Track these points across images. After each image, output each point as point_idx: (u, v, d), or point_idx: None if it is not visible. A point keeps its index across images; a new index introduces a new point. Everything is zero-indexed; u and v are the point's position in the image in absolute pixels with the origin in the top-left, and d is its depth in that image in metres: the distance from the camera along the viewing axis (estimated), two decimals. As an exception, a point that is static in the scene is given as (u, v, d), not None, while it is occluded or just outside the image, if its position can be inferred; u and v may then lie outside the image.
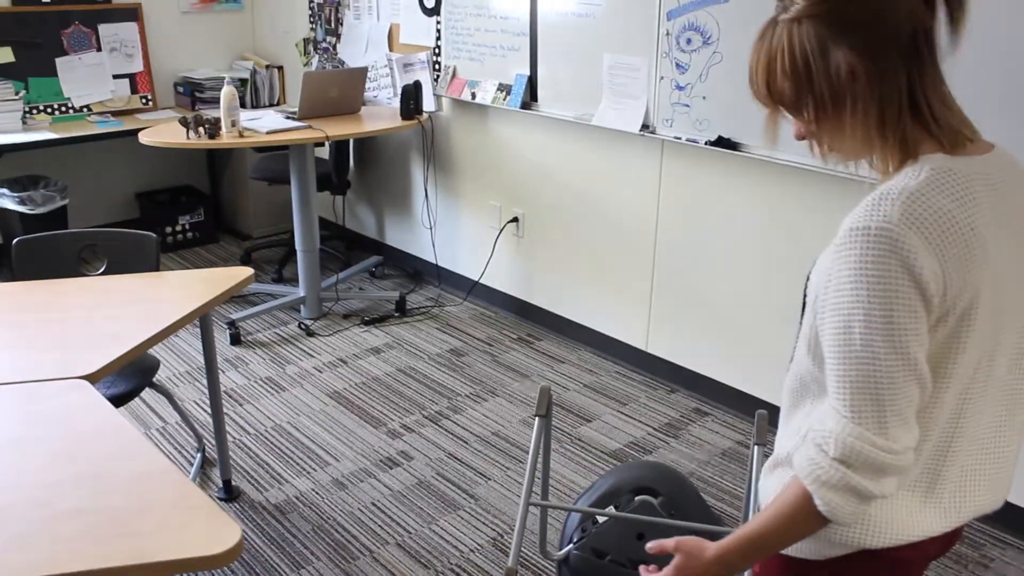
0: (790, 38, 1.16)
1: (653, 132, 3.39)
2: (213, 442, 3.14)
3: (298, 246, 4.23)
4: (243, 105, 5.03)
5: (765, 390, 3.38)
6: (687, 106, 3.24)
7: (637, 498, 2.30)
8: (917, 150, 1.16)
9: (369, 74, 4.60)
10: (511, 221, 4.23)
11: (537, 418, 2.00)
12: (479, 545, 2.70)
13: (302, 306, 4.33)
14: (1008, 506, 2.81)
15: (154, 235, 2.84)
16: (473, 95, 4.11)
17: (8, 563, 1.39)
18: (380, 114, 4.39)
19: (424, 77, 4.34)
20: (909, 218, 1.09)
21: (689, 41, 3.19)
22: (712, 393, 3.56)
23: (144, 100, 5.08)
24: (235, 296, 4.47)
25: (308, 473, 3.05)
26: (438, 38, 4.26)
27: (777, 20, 1.18)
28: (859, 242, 1.10)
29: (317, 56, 5.03)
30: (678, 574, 1.26)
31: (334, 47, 4.89)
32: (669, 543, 1.27)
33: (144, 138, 3.77)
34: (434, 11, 4.24)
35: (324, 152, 4.96)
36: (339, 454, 3.16)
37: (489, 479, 3.03)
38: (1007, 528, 2.83)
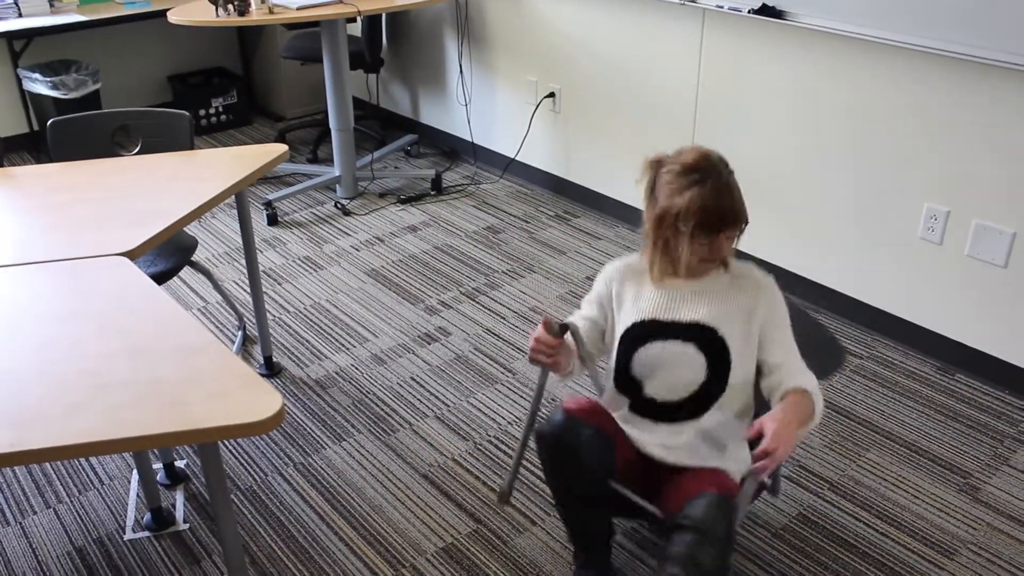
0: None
1: (694, 1, 3.27)
2: (253, 320, 3.20)
3: (332, 125, 4.20)
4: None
5: (802, 264, 3.35)
6: (729, -28, 3.12)
7: None
8: None
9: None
10: (548, 96, 4.16)
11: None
12: (516, 418, 2.75)
13: (338, 186, 4.33)
14: (1047, 379, 2.80)
15: (188, 114, 2.82)
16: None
17: (65, 430, 1.44)
18: (412, -13, 4.28)
19: (456, -53, 4.21)
20: None
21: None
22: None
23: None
24: (270, 177, 4.48)
25: (347, 349, 3.10)
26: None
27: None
28: (775, 288, 1.92)
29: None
30: (780, 430, 1.66)
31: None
32: (760, 427, 1.69)
33: (173, 17, 3.72)
34: None
35: (356, 29, 4.86)
36: (377, 330, 3.21)
37: (527, 354, 3.06)
38: (1045, 401, 2.82)
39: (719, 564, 1.69)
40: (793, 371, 1.86)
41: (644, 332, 1.91)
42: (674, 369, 1.90)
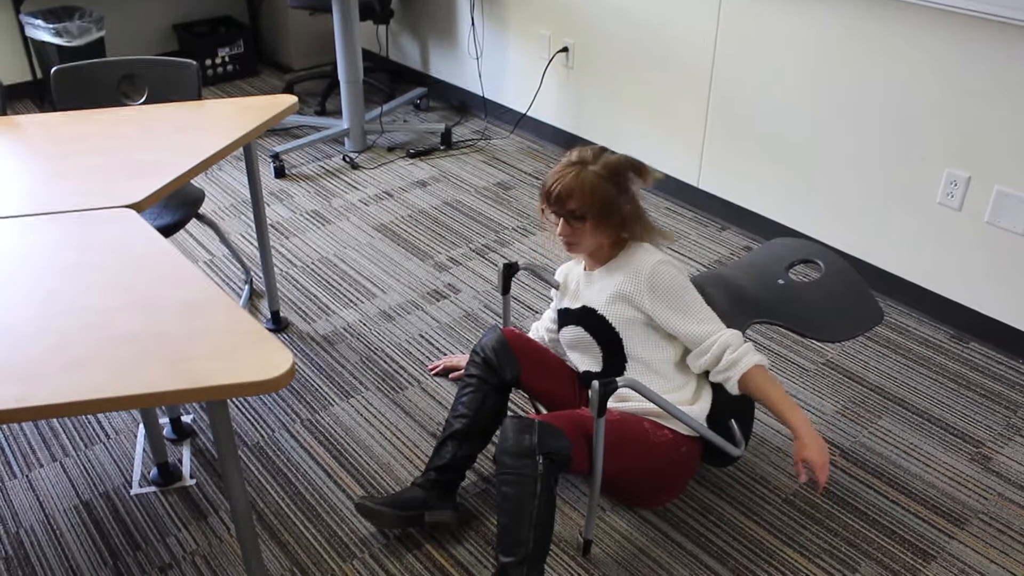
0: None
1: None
2: (260, 274, 3.16)
3: (341, 77, 4.13)
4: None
5: (816, 227, 3.30)
6: (751, -75, 3.04)
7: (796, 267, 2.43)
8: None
9: None
10: (561, 51, 4.08)
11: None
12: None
13: (346, 139, 4.28)
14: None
15: (194, 63, 2.77)
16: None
17: (70, 385, 1.41)
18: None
19: None
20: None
21: None
22: (764, 230, 3.49)
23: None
24: (278, 129, 4.42)
25: (355, 305, 3.07)
26: None
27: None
28: (657, 270, 2.05)
29: None
30: (814, 447, 1.95)
31: None
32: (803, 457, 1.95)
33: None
34: None
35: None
36: (386, 286, 3.18)
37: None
38: (1060, 370, 2.79)
39: (523, 488, 1.86)
40: (717, 347, 2.02)
41: (561, 319, 2.23)
42: (579, 350, 2.19)
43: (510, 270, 2.30)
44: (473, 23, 4.49)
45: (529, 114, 4.37)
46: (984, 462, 2.44)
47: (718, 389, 2.13)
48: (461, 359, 2.73)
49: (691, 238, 3.51)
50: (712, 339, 2.02)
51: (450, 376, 2.72)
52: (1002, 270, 2.84)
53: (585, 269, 2.20)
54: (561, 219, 2.04)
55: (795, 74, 3.19)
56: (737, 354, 1.99)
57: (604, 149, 2.08)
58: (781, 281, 2.30)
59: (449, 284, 3.19)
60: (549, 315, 2.44)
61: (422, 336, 2.91)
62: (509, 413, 2.33)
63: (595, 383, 1.85)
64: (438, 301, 3.10)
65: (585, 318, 2.14)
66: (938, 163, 2.89)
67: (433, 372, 2.73)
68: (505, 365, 2.15)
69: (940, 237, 2.96)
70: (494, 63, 4.49)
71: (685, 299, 2.04)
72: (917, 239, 3.02)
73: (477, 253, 3.39)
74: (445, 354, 2.82)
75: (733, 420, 2.19)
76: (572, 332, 2.19)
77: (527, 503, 1.85)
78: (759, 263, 2.39)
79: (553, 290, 2.33)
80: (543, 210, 2.09)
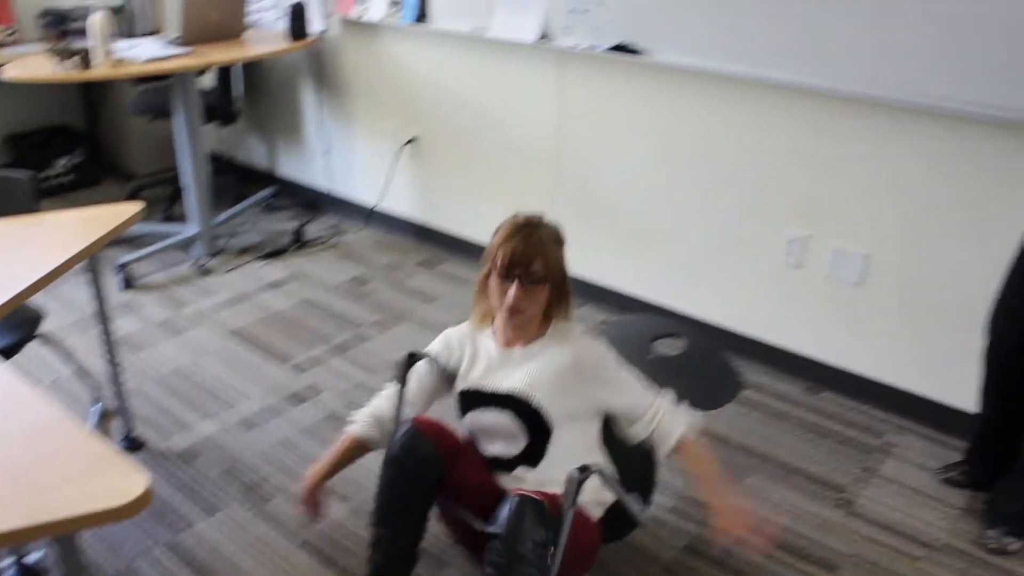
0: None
1: (551, 41, 3.32)
2: (111, 392, 3.02)
3: (186, 182, 4.05)
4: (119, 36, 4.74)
5: (671, 297, 3.41)
6: (585, 12, 3.17)
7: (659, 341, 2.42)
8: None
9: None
10: (409, 142, 4.13)
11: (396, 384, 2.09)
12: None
13: (195, 244, 4.18)
14: (902, 394, 2.92)
15: (29, 174, 2.65)
16: (363, 13, 3.96)
17: None
18: (266, 37, 4.20)
19: (309, -4, 4.16)
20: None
21: (580, -55, 3.11)
22: (620, 305, 3.58)
23: (10, 33, 4.74)
24: (124, 239, 4.28)
25: (214, 415, 2.96)
26: (320, -46, 4.07)
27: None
28: (594, 344, 2.04)
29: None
30: (736, 522, 1.90)
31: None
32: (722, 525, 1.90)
33: (9, 73, 3.52)
34: (312, -74, 4.05)
35: (208, 81, 4.73)
36: (245, 393, 3.08)
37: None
38: (905, 415, 2.94)
39: (534, 565, 1.72)
40: (654, 414, 2.00)
41: (469, 401, 2.05)
42: (498, 434, 2.02)
43: (413, 360, 2.04)
44: (320, 120, 4.50)
45: (381, 207, 4.38)
46: (847, 507, 2.52)
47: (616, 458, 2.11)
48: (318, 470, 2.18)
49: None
50: (651, 410, 1.99)
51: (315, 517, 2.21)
52: (844, 321, 2.99)
53: (503, 345, 2.06)
54: (515, 283, 1.93)
55: (637, 150, 3.32)
56: (673, 424, 1.98)
57: (541, 216, 2.03)
58: (650, 356, 2.36)
59: (310, 385, 3.12)
60: (388, 398, 2.14)
61: (286, 442, 2.83)
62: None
63: (573, 472, 1.74)
64: (300, 404, 3.02)
65: (511, 403, 1.98)
66: (779, 225, 3.04)
67: (306, 505, 2.18)
68: (426, 466, 1.93)
69: (787, 295, 3.10)
70: (343, 158, 4.50)
71: (623, 374, 2.02)
72: (765, 299, 3.16)
73: (337, 351, 3.34)
74: (311, 459, 2.74)
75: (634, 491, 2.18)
76: (490, 418, 2.00)
77: None
78: (624, 339, 2.45)
79: (423, 369, 2.11)
80: (488, 275, 2.01)
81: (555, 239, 2.00)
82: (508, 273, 1.95)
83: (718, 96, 3.04)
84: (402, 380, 2.05)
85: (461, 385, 2.08)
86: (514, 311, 1.97)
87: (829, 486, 2.61)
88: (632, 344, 2.41)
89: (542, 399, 1.96)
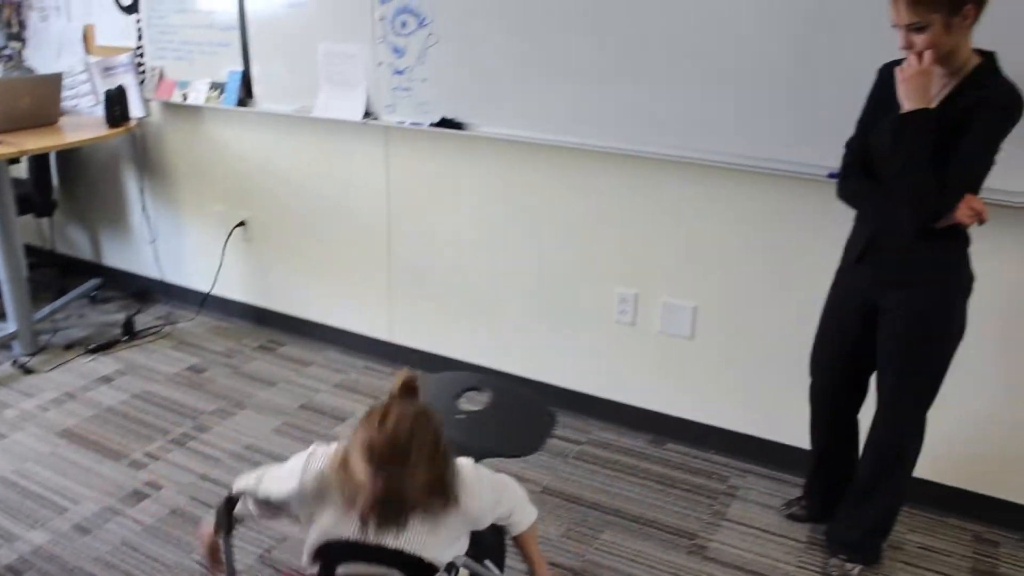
0: None
1: (376, 119, 3.35)
2: (-75, 508, 2.79)
3: (1, 277, 3.83)
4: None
5: (510, 363, 3.45)
6: (408, 90, 3.23)
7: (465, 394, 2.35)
8: None
9: (65, 80, 4.23)
10: (238, 225, 4.05)
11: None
12: (248, 564, 2.57)
13: (14, 342, 3.93)
14: (742, 436, 3.04)
15: None
16: (184, 96, 3.89)
17: None
18: (83, 123, 4.06)
19: (129, 80, 4.05)
20: None
21: (404, 24, 3.17)
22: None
23: None
24: (-69, 343, 3.99)
25: (44, 523, 2.77)
26: (140, 38, 3.99)
27: None
28: (479, 482, 1.83)
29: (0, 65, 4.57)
30: None
31: (19, 53, 4.45)
32: None
33: None
34: (132, 9, 3.97)
35: (22, 171, 4.51)
36: (78, 496, 2.90)
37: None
38: (745, 458, 3.06)
39: None
40: (510, 513, 1.94)
41: (343, 552, 1.74)
42: None
43: (232, 504, 1.79)
44: (144, 206, 4.37)
45: (214, 292, 4.27)
46: (700, 552, 2.60)
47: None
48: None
49: (385, 392, 3.52)
50: (508, 510, 1.92)
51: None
52: (681, 373, 3.10)
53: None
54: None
55: (468, 219, 3.38)
56: (522, 516, 1.96)
57: (403, 434, 1.64)
58: (460, 416, 2.34)
59: (149, 482, 2.98)
60: (254, 501, 1.86)
61: (125, 544, 2.67)
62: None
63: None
64: (139, 502, 2.87)
65: (399, 560, 1.73)
66: (608, 284, 3.14)
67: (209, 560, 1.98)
68: None
69: (623, 352, 3.20)
70: (171, 245, 4.37)
71: (497, 496, 1.89)
72: (603, 358, 3.24)
73: (176, 444, 3.20)
74: (157, 559, 2.60)
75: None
76: (372, 572, 1.74)
77: None
78: (429, 400, 2.43)
79: (282, 493, 1.79)
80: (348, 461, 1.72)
81: (423, 452, 1.63)
82: (366, 517, 1.66)
83: (540, 164, 3.14)
84: (226, 528, 1.83)
85: (329, 534, 1.75)
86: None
87: (681, 534, 2.68)
88: (437, 405, 2.38)
89: (434, 555, 1.74)
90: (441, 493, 1.69)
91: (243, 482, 1.83)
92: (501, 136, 3.12)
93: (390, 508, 1.62)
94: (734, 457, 3.08)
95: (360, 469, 1.60)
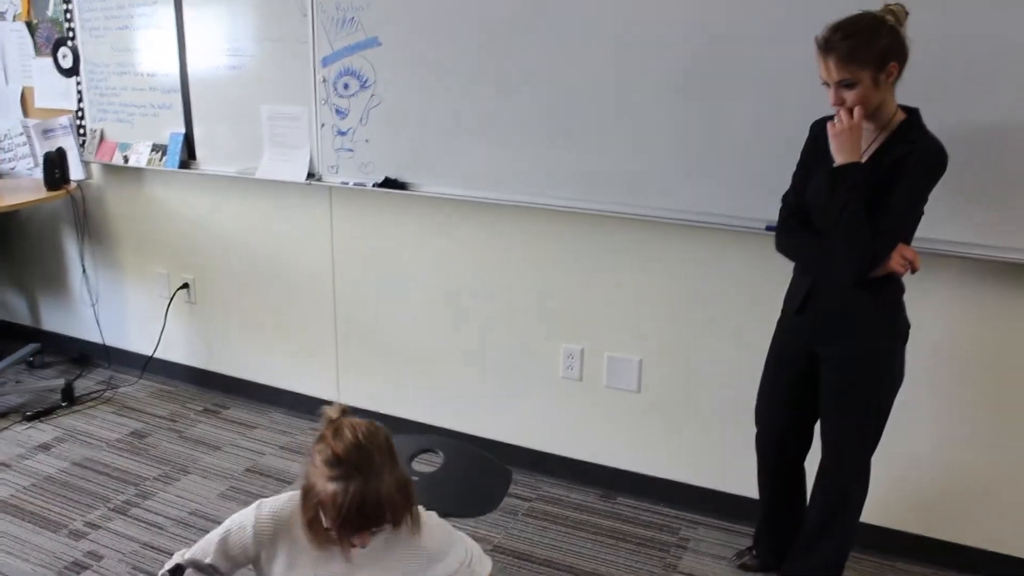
0: None
1: (320, 180, 3.36)
2: None
3: (-66, 346, 3.74)
4: None
5: (455, 420, 3.44)
6: (351, 151, 3.25)
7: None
8: None
9: (3, 143, 4.18)
10: (181, 287, 4.01)
11: None
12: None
13: (-53, 413, 3.83)
14: (691, 488, 3.06)
15: None
16: (126, 158, 3.86)
17: None
18: (20, 186, 4.01)
19: (68, 142, 4.01)
20: None
21: (347, 86, 3.20)
22: (409, 432, 3.56)
23: None
24: None
25: (-22, 599, 2.68)
26: (80, 100, 3.97)
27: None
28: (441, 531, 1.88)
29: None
30: None
31: (-48, 119, 4.40)
32: None
33: None
34: (72, 71, 3.95)
35: (-47, 238, 4.44)
36: (14, 571, 2.81)
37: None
38: (695, 509, 3.07)
39: None
40: (468, 563, 1.92)
41: None
42: None
43: (180, 572, 1.72)
44: (85, 269, 4.30)
45: (157, 356, 4.20)
46: (651, 609, 2.59)
47: None
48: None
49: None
50: (470, 555, 1.92)
51: None
52: (629, 426, 3.12)
53: (346, 559, 1.74)
54: (358, 535, 1.66)
55: (413, 279, 3.38)
56: (480, 567, 1.94)
57: (364, 440, 1.66)
58: (415, 479, 2.32)
59: (90, 552, 2.89)
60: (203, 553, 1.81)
61: (64, 617, 2.59)
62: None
63: None
64: (80, 574, 2.78)
65: None
66: (554, 341, 3.16)
67: None
68: None
69: (571, 407, 3.20)
70: (112, 308, 4.30)
71: (454, 547, 1.90)
72: (551, 413, 3.25)
73: (118, 512, 3.12)
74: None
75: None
76: None
77: None
78: None
79: (221, 554, 1.78)
80: (333, 526, 1.66)
81: (386, 458, 1.67)
82: (351, 528, 1.63)
83: (484, 223, 3.17)
84: None
85: None
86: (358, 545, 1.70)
87: (631, 589, 2.68)
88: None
89: None
90: (407, 496, 1.68)
91: (186, 554, 1.77)
92: (444, 195, 3.14)
93: (369, 513, 1.61)
94: (684, 509, 3.09)
95: (329, 489, 1.60)
